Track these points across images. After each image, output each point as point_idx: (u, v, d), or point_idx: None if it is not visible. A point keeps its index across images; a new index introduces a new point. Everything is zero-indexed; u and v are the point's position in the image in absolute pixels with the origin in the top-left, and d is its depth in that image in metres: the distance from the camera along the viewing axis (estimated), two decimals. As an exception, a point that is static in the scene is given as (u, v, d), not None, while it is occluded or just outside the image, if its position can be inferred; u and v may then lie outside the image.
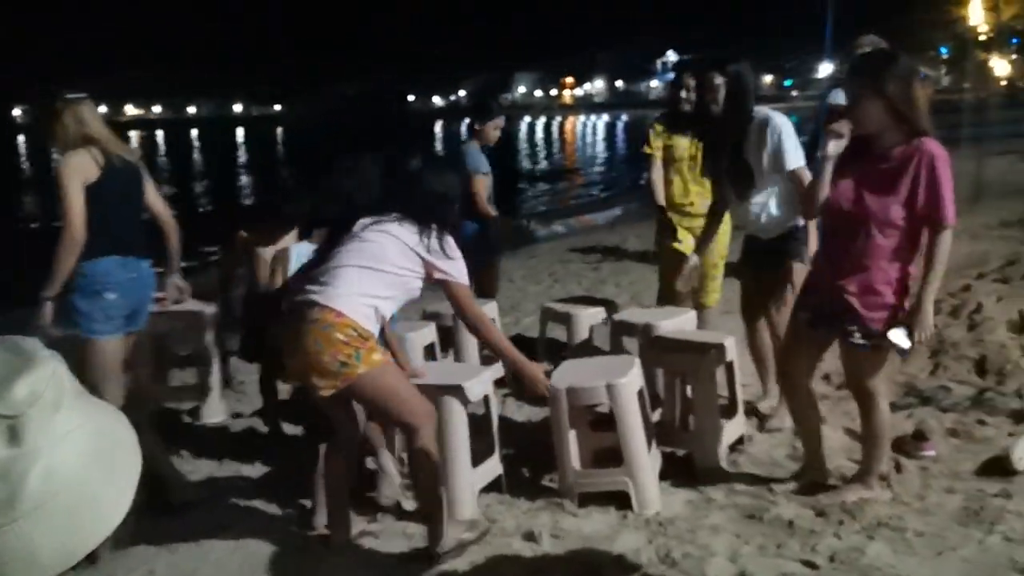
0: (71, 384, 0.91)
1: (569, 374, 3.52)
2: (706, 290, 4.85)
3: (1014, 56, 46.13)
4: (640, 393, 3.50)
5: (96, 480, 0.88)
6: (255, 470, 3.98)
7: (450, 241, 3.07)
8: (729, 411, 3.93)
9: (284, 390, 4.30)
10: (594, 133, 56.04)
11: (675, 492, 3.52)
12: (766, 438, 4.00)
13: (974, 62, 23.10)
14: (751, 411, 4.24)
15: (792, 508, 3.26)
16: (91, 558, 0.88)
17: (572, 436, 3.48)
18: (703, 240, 4.22)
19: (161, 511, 3.41)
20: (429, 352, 4.51)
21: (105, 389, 3.31)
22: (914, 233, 3.06)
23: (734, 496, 3.44)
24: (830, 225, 3.27)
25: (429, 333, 4.51)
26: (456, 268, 3.07)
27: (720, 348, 3.83)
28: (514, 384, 4.85)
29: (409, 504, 3.53)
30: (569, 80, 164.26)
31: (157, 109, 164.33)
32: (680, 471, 3.69)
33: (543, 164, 31.67)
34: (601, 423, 3.80)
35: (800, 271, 3.68)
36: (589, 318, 4.88)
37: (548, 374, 3.40)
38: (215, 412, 4.78)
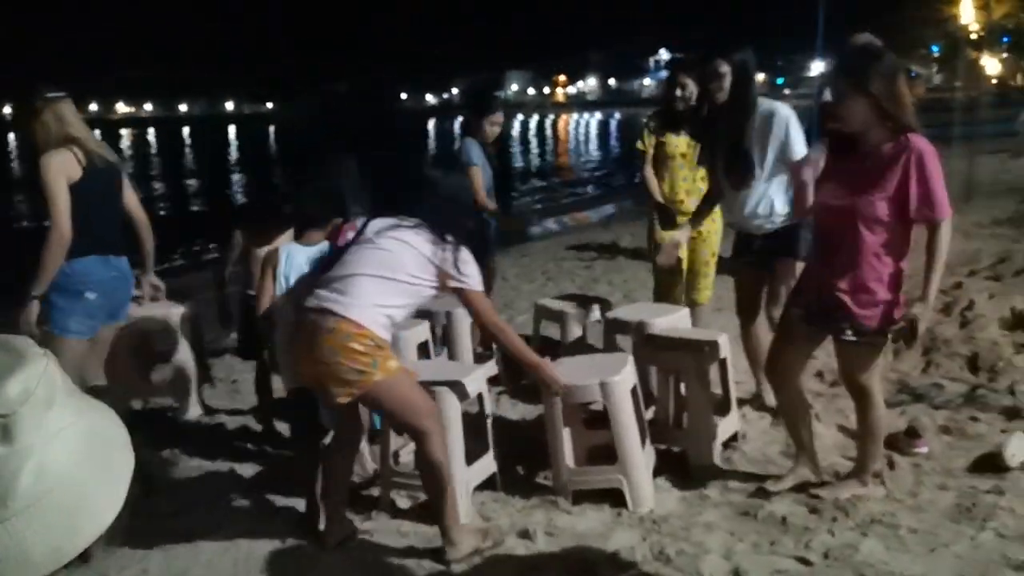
0: (63, 382, 0.90)
1: (563, 372, 3.51)
2: (697, 287, 4.86)
3: (1005, 54, 46.39)
4: (634, 391, 3.50)
5: (89, 478, 0.88)
6: (249, 468, 3.97)
7: (465, 250, 3.07)
8: (723, 408, 3.94)
9: (279, 389, 4.28)
10: (587, 131, 56.06)
11: (669, 490, 3.52)
12: (760, 435, 4.00)
13: (965, 60, 23.17)
14: (759, 407, 4.24)
15: (786, 505, 3.27)
16: (84, 556, 0.88)
17: (566, 434, 3.48)
18: (693, 222, 4.22)
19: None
20: (423, 350, 4.50)
21: None
22: (904, 229, 3.07)
23: (728, 493, 3.45)
24: (819, 223, 3.27)
25: (423, 331, 4.51)
26: (471, 276, 3.07)
27: (714, 345, 3.84)
28: (508, 382, 4.87)
29: (403, 502, 3.53)
30: (562, 78, 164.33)
31: (148, 107, 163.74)
32: (674, 469, 3.69)
33: (536, 162, 31.67)
34: (595, 421, 3.80)
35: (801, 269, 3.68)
36: (582, 316, 4.88)
37: None
38: (192, 407, 4.78)
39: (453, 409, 3.37)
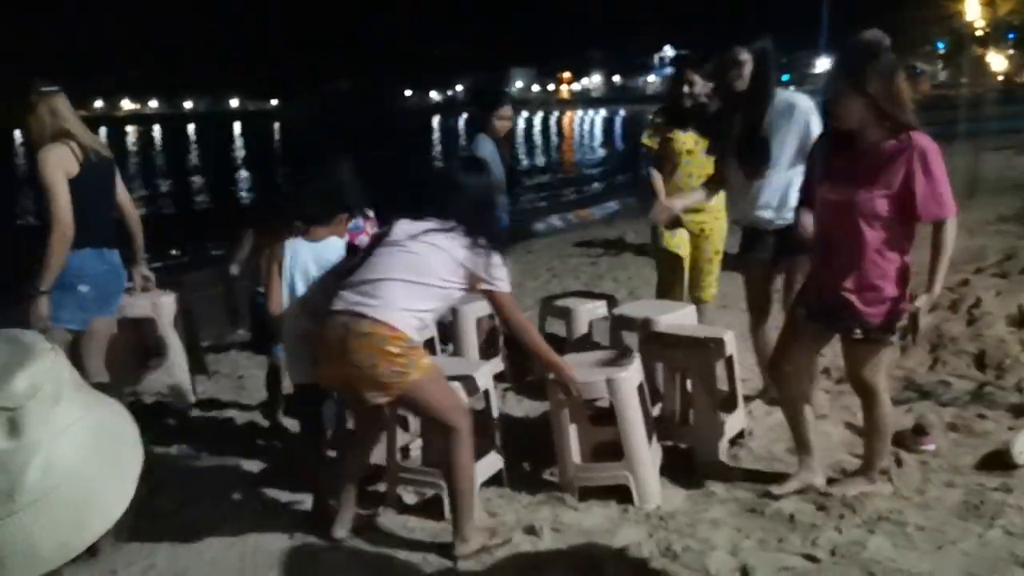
0: (71, 377, 0.90)
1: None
2: (702, 285, 4.84)
3: (1011, 51, 46.21)
4: (640, 387, 3.49)
5: (96, 473, 0.87)
6: (255, 464, 3.97)
7: (496, 252, 3.08)
8: (729, 405, 3.93)
9: (286, 385, 4.28)
10: (592, 128, 56.01)
11: (675, 486, 3.52)
12: (766, 432, 3.99)
13: (971, 57, 23.07)
14: (767, 403, 4.23)
15: (793, 502, 3.27)
16: (91, 551, 0.87)
17: (572, 430, 3.47)
18: (690, 197, 4.19)
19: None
20: (428, 347, 4.50)
21: None
22: (906, 225, 3.05)
23: (734, 490, 3.44)
24: (820, 220, 3.25)
25: (428, 329, 4.50)
26: (501, 278, 3.09)
27: (720, 342, 3.83)
28: (514, 379, 4.87)
29: (410, 498, 3.53)
30: (566, 75, 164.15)
31: (153, 104, 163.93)
32: (680, 465, 3.69)
33: (541, 159, 31.65)
34: (601, 417, 3.79)
35: None
36: (589, 312, 4.87)
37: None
38: (182, 395, 4.79)
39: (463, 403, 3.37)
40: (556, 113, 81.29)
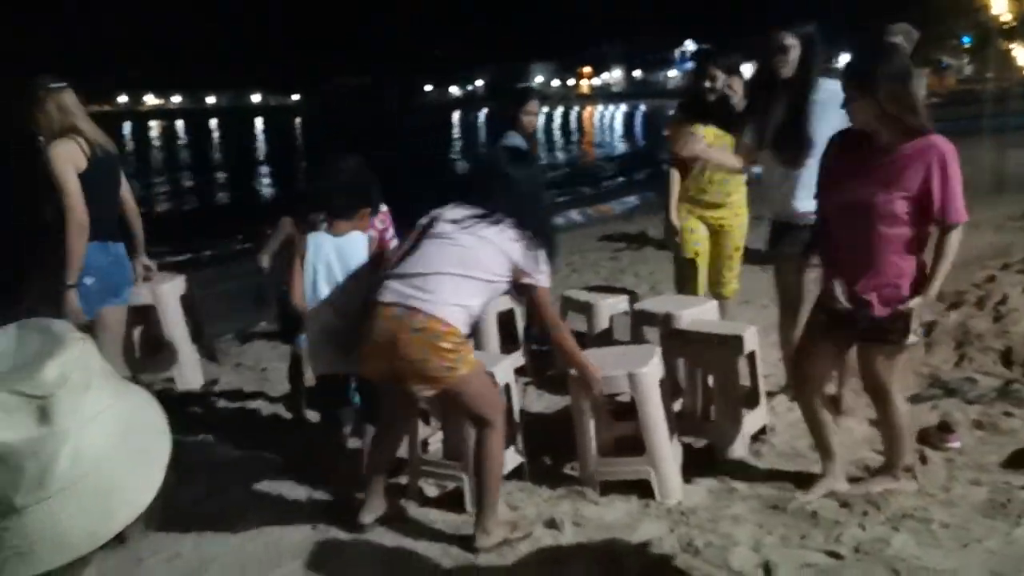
0: (100, 366, 0.91)
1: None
2: (723, 281, 4.81)
3: (1039, 45, 45.48)
4: (662, 382, 3.48)
5: (125, 462, 0.88)
6: (279, 455, 3.99)
7: (542, 246, 3.09)
8: (751, 401, 3.90)
9: (309, 377, 4.31)
10: (612, 123, 55.82)
11: (697, 482, 3.51)
12: (788, 428, 3.97)
13: (996, 51, 22.76)
14: (795, 398, 4.19)
15: (816, 499, 3.24)
16: (120, 538, 0.88)
17: (593, 425, 3.47)
18: (721, 154, 4.15)
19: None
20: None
21: None
22: (923, 226, 3.01)
23: (757, 486, 3.42)
24: (836, 222, 3.17)
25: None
26: (544, 274, 3.10)
27: (742, 338, 3.80)
28: (534, 373, 4.87)
29: (431, 490, 3.54)
30: (587, 70, 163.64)
31: (177, 99, 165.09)
32: (702, 461, 3.68)
33: (561, 154, 31.59)
34: (622, 412, 3.78)
35: None
36: (610, 307, 4.86)
37: None
38: (189, 380, 4.83)
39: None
40: (576, 108, 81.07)
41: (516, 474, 3.57)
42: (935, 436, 3.68)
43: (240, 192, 22.02)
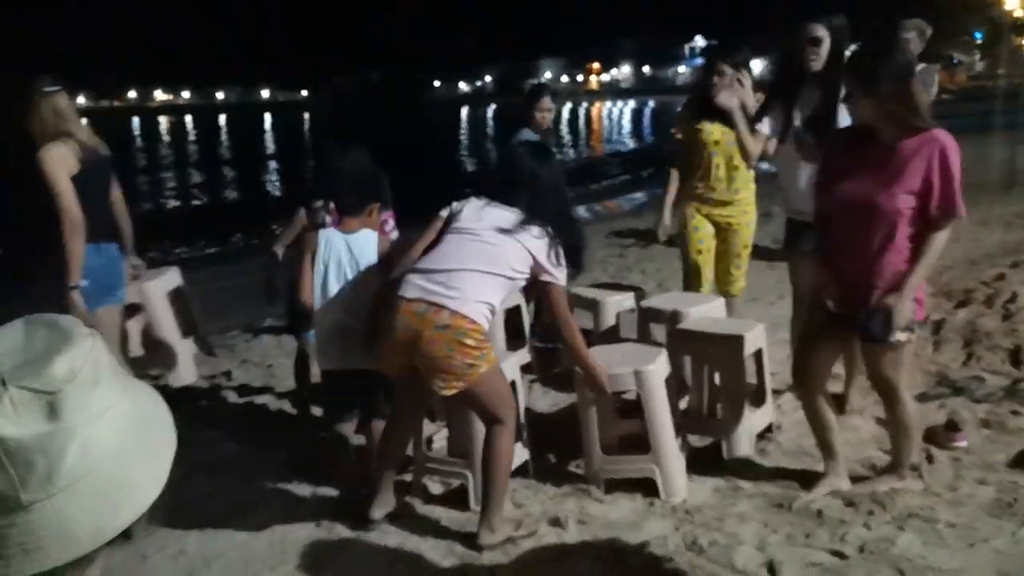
0: (108, 362, 0.91)
1: (596, 360, 3.50)
2: (731, 279, 4.78)
3: (1051, 41, 45.21)
4: (668, 380, 3.48)
5: (131, 458, 0.89)
6: (284, 451, 4.01)
7: (564, 245, 3.10)
8: (757, 399, 3.90)
9: (315, 373, 4.32)
10: (620, 119, 55.71)
11: (702, 480, 3.50)
12: (794, 426, 3.96)
13: (1009, 47, 22.62)
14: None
15: (821, 498, 3.23)
16: (126, 534, 0.89)
17: (598, 423, 3.47)
18: (749, 127, 4.12)
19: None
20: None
21: None
22: (924, 221, 2.98)
23: (762, 485, 3.41)
24: (838, 219, 3.13)
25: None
26: (562, 273, 3.11)
27: (749, 336, 3.79)
28: (540, 370, 4.87)
29: (436, 488, 3.55)
30: (595, 66, 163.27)
31: (186, 95, 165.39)
32: (707, 459, 3.67)
33: (569, 151, 31.56)
34: (628, 410, 3.78)
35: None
36: (616, 304, 4.85)
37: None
38: (182, 376, 4.84)
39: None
40: (585, 104, 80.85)
41: (521, 471, 3.57)
42: (942, 435, 3.67)
43: (248, 188, 22.08)
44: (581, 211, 14.09)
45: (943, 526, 2.96)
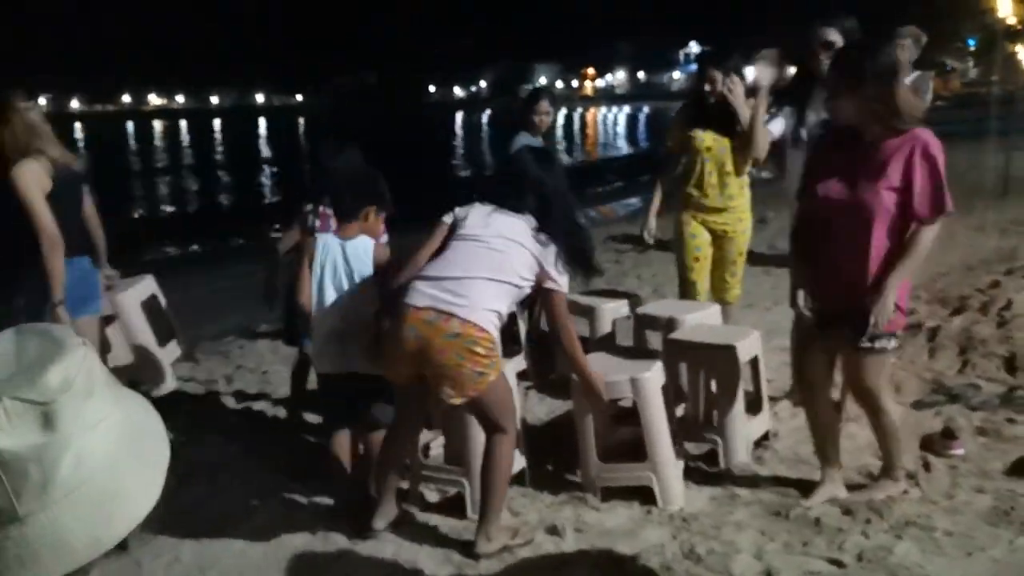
0: (101, 371, 0.90)
1: (593, 368, 3.49)
2: (727, 286, 4.78)
3: (1043, 48, 45.45)
4: (664, 388, 3.47)
5: (126, 468, 0.88)
6: (280, 458, 3.99)
7: (569, 251, 3.10)
8: (754, 407, 3.89)
9: (312, 379, 4.30)
10: (615, 125, 55.83)
11: (699, 488, 3.49)
12: (791, 433, 3.96)
13: (1002, 54, 22.75)
14: (798, 403, 4.17)
15: (818, 506, 3.23)
16: (122, 545, 0.88)
17: (595, 430, 3.46)
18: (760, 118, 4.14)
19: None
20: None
21: None
22: (909, 220, 2.96)
23: (759, 493, 3.41)
24: (824, 220, 3.10)
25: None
26: (564, 280, 3.11)
27: (743, 344, 3.79)
28: (536, 377, 4.86)
29: (432, 496, 3.53)
30: (590, 71, 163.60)
31: (180, 99, 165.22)
32: (704, 467, 3.67)
33: (564, 157, 31.61)
34: (624, 417, 3.77)
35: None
36: (612, 311, 4.85)
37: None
38: (160, 384, 4.82)
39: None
40: (579, 110, 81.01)
41: (518, 479, 3.56)
42: (938, 443, 3.66)
43: (242, 191, 22.05)
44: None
45: (940, 534, 2.95)
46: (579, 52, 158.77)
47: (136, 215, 17.98)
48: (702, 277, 4.67)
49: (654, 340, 4.35)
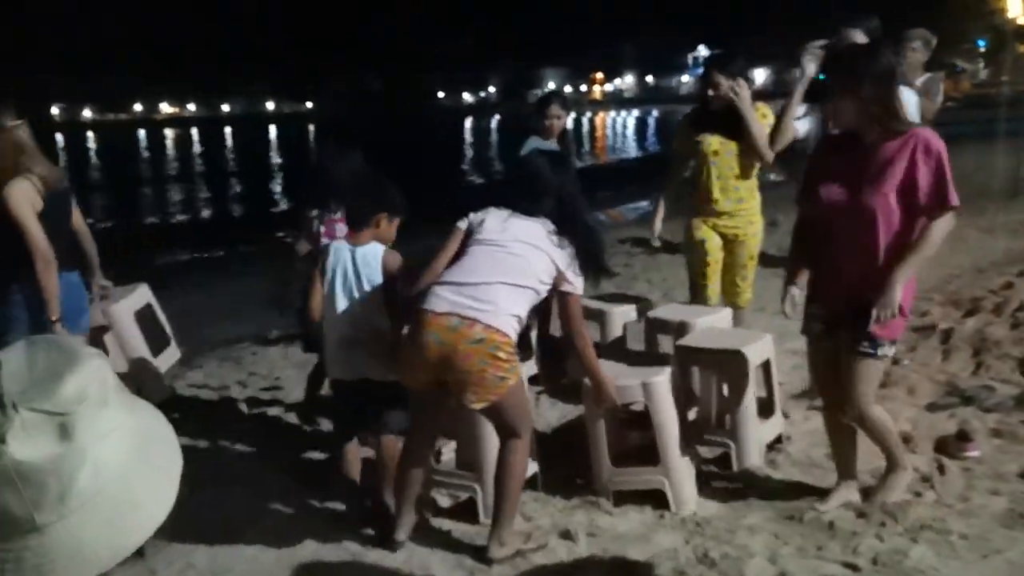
0: (114, 382, 0.91)
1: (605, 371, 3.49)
2: (738, 291, 4.76)
3: (1055, 48, 45.20)
4: (675, 391, 3.46)
5: (141, 476, 0.88)
6: (292, 464, 4.00)
7: (584, 253, 3.11)
8: (767, 410, 3.88)
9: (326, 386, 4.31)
10: (624, 129, 55.77)
11: (712, 492, 3.49)
12: (804, 437, 3.94)
13: (1012, 54, 22.63)
14: (811, 407, 4.15)
15: (832, 509, 3.21)
16: (139, 552, 0.88)
17: (606, 434, 3.45)
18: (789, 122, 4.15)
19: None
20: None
21: None
22: (915, 220, 2.95)
23: (772, 496, 3.40)
24: (826, 223, 3.09)
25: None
26: (580, 283, 3.11)
27: (755, 348, 3.77)
28: (547, 381, 4.85)
29: (444, 501, 3.54)
30: (599, 75, 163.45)
31: (191, 107, 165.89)
32: (717, 471, 3.65)
33: (573, 161, 31.57)
34: (636, 421, 3.77)
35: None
36: (623, 315, 4.84)
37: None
38: (153, 394, 4.83)
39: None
40: (588, 114, 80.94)
41: (530, 484, 3.55)
42: (953, 445, 3.65)
43: (252, 198, 22.11)
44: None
45: (956, 537, 2.93)
46: (580, 53, 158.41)
47: (149, 222, 18.09)
48: (713, 281, 4.65)
49: (665, 344, 4.34)
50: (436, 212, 3.30)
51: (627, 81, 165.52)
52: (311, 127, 70.32)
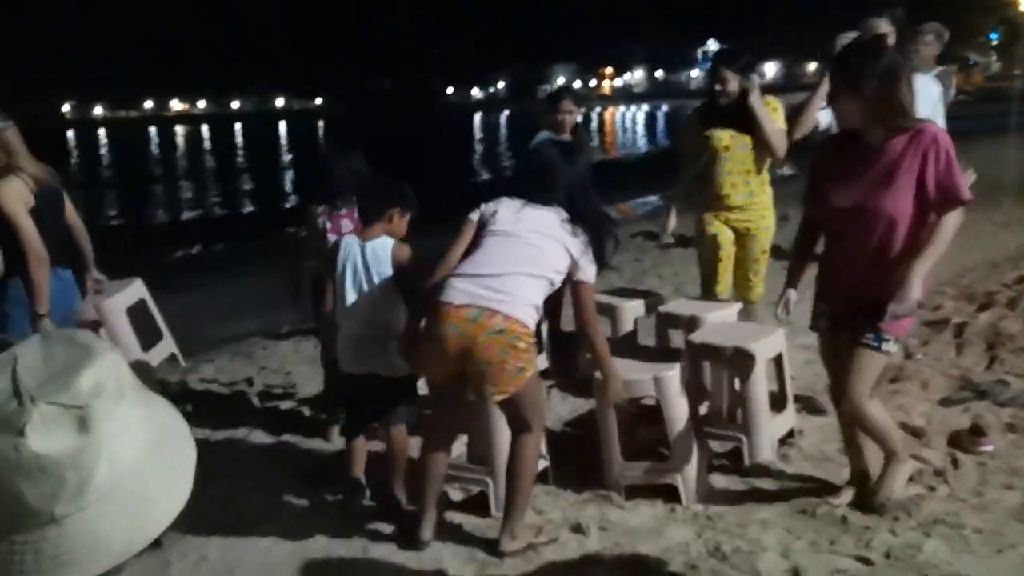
0: (130, 375, 0.91)
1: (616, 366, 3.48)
2: (750, 285, 4.74)
3: (1068, 41, 44.86)
4: (687, 386, 3.45)
5: (157, 469, 0.89)
6: (304, 458, 4.01)
7: (596, 242, 3.12)
8: (779, 404, 3.87)
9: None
10: (634, 124, 55.67)
11: (724, 486, 3.48)
12: (816, 431, 3.93)
13: (1026, 48, 22.44)
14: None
15: (845, 504, 3.20)
16: (156, 542, 0.89)
17: (618, 429, 3.45)
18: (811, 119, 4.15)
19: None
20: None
21: None
22: (925, 217, 2.92)
23: (785, 491, 3.39)
24: (837, 226, 3.07)
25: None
26: (593, 272, 3.11)
27: (766, 343, 3.76)
28: (558, 376, 4.85)
29: (456, 495, 3.54)
30: (608, 70, 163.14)
31: (202, 104, 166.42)
32: (729, 465, 3.65)
33: (592, 153, 31.52)
34: (648, 416, 3.76)
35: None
36: (634, 310, 4.83)
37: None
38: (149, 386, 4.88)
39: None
40: (598, 109, 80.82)
41: (541, 478, 3.55)
42: (967, 439, 3.63)
43: (263, 194, 22.17)
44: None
45: (969, 532, 2.92)
46: (581, 52, 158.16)
47: (160, 218, 18.17)
48: (725, 276, 4.63)
49: (676, 339, 4.33)
50: (444, 212, 3.29)
51: (637, 76, 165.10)
52: (320, 123, 70.52)
